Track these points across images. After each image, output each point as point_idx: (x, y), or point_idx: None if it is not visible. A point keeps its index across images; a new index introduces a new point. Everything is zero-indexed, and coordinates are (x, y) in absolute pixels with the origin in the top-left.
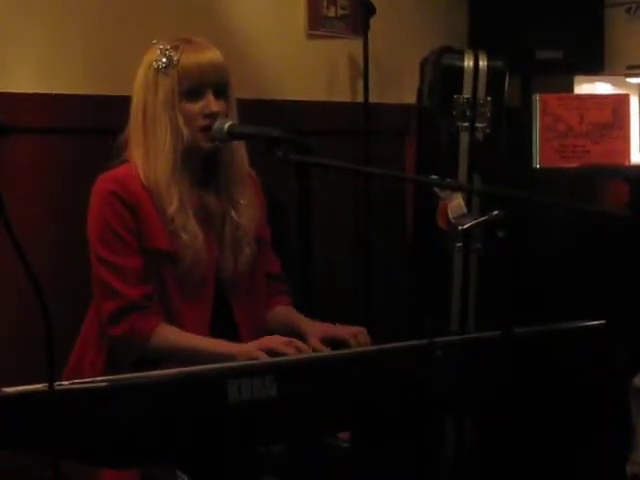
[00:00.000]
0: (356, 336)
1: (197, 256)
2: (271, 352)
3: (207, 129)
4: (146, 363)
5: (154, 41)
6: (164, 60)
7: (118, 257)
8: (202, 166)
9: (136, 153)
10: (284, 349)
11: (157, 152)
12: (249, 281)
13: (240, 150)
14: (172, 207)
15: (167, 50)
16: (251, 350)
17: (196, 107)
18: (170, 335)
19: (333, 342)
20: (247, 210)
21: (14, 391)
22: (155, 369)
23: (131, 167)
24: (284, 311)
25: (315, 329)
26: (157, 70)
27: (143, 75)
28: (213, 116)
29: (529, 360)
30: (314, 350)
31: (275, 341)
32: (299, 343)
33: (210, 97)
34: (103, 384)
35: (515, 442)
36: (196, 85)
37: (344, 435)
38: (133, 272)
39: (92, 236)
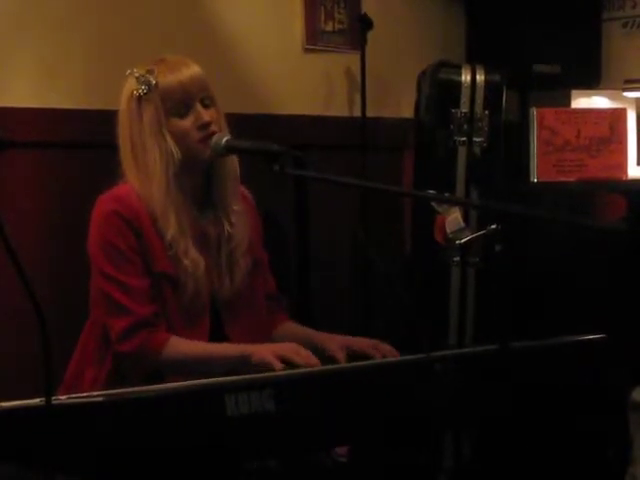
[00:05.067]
0: (377, 348)
1: (199, 285)
2: (284, 360)
3: (205, 140)
4: (153, 378)
5: (128, 71)
6: (143, 87)
7: (126, 276)
8: (200, 182)
9: (131, 179)
10: (298, 360)
11: (150, 178)
12: (246, 302)
13: (233, 163)
14: (170, 232)
15: (143, 76)
16: (265, 354)
17: (187, 122)
18: (181, 346)
19: (354, 355)
20: (239, 223)
21: (11, 405)
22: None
23: (131, 187)
24: (292, 326)
25: (335, 341)
26: (139, 98)
27: (126, 106)
28: (207, 126)
29: (527, 374)
30: (336, 361)
31: (291, 350)
32: (314, 358)
33: (199, 108)
34: (100, 399)
35: (513, 456)
36: (181, 101)
37: (341, 450)
38: (141, 291)
39: (97, 255)
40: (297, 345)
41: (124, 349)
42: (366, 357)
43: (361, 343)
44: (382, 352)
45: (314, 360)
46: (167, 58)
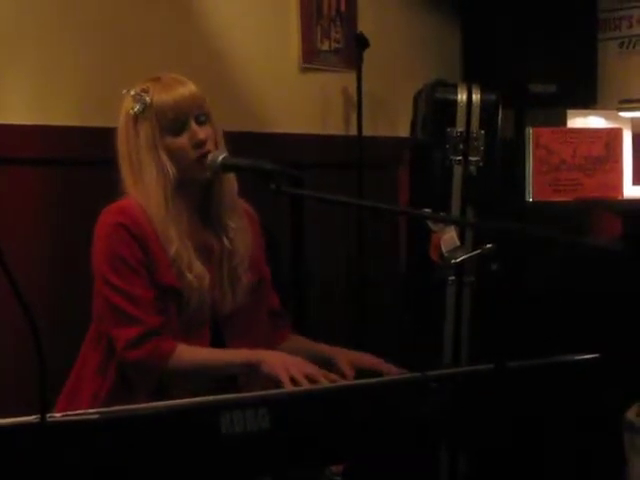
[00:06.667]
0: (387, 366)
1: (203, 298)
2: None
3: (201, 159)
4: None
5: (124, 91)
6: (138, 105)
7: (133, 287)
8: (199, 198)
9: (133, 194)
10: (318, 377)
11: (148, 195)
12: (248, 317)
13: (231, 180)
14: (173, 248)
15: (139, 95)
16: (276, 368)
17: (183, 140)
18: (189, 353)
19: (362, 371)
20: (240, 238)
21: (5, 422)
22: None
23: (134, 201)
24: (299, 339)
25: (345, 356)
26: (135, 117)
27: (123, 124)
28: (202, 144)
29: (522, 393)
30: (344, 376)
31: (301, 366)
32: (330, 375)
33: (194, 126)
34: (95, 416)
35: (508, 475)
36: (175, 119)
37: (337, 468)
38: (148, 302)
39: (102, 267)
40: (304, 361)
41: (132, 356)
42: (373, 374)
43: (371, 360)
44: (389, 370)
45: (332, 376)
46: (162, 77)
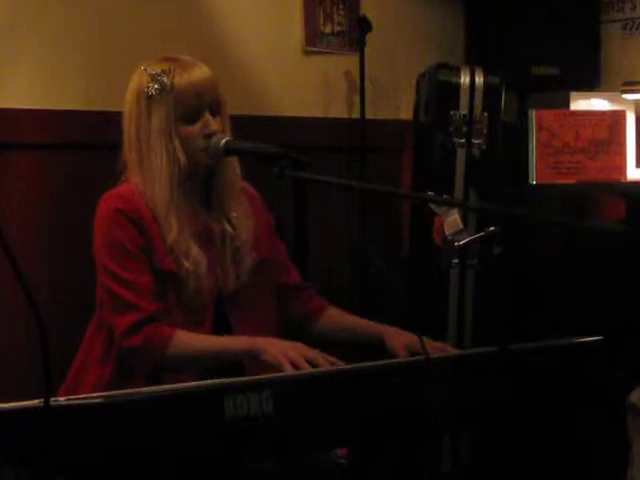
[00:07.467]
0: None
1: (200, 282)
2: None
3: (208, 147)
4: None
5: (142, 67)
6: (157, 86)
7: (130, 274)
8: (202, 186)
9: (134, 179)
10: (321, 361)
11: (154, 180)
12: (252, 298)
13: (233, 164)
14: (171, 236)
15: (158, 75)
16: (277, 355)
17: (195, 129)
18: (188, 340)
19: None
20: (241, 222)
21: (9, 407)
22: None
23: (134, 186)
24: (340, 315)
25: (398, 337)
26: (150, 97)
27: (134, 102)
28: (213, 136)
29: (526, 376)
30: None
31: (301, 350)
32: (329, 357)
33: (208, 117)
34: (99, 400)
35: (511, 459)
36: (192, 107)
37: (340, 451)
38: (146, 288)
39: (101, 253)
40: (304, 345)
41: (130, 344)
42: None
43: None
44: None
45: (330, 359)
46: (180, 59)
